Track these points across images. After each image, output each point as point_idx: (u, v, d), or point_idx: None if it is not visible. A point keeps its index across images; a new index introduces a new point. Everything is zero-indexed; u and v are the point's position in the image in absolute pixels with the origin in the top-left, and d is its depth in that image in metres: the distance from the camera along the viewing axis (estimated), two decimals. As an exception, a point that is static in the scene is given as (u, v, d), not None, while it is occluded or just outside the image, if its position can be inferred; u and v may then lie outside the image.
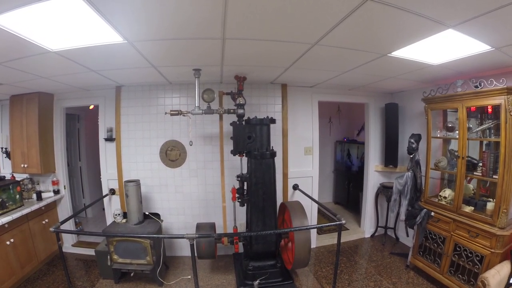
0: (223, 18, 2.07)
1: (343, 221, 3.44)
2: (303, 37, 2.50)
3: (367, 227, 5.92)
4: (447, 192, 3.98)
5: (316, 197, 5.11)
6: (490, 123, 3.59)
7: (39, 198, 4.76)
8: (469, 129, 3.70)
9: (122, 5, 1.85)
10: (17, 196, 4.33)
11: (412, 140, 4.40)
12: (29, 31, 2.17)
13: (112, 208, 4.88)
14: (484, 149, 3.78)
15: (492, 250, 3.22)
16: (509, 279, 3.04)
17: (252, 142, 3.84)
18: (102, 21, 2.04)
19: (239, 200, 4.09)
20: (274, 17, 2.07)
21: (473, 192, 3.92)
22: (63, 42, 2.47)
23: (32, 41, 2.34)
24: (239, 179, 4.10)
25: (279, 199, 4.64)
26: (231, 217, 4.62)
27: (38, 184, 5.07)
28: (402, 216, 4.51)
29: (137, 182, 4.26)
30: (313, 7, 1.90)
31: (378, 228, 5.83)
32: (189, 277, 4.32)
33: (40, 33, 2.25)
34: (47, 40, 2.38)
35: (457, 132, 3.84)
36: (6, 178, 4.61)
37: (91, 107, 5.73)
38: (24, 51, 2.58)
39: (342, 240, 4.20)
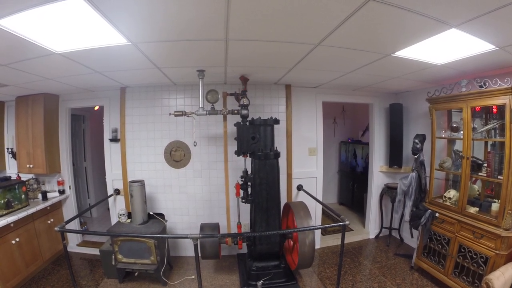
0: (225, 20, 2.08)
1: (347, 222, 3.43)
2: (306, 37, 2.51)
3: (371, 228, 5.89)
4: (452, 193, 3.95)
5: (320, 198, 5.10)
6: (495, 123, 3.56)
7: (45, 198, 4.80)
8: (473, 129, 3.67)
9: (126, 8, 1.87)
10: (23, 196, 4.37)
11: (417, 141, 4.38)
12: (34, 33, 2.20)
13: (117, 208, 4.92)
14: (489, 150, 3.73)
15: (497, 252, 3.20)
16: (514, 281, 3.01)
17: (256, 143, 3.85)
18: (106, 24, 2.06)
19: (243, 200, 4.10)
20: (276, 18, 2.08)
21: (478, 193, 3.89)
22: (67, 44, 2.49)
23: (37, 43, 2.37)
24: (243, 179, 4.10)
25: (283, 200, 4.64)
26: (235, 218, 4.63)
27: (43, 184, 5.11)
28: (407, 217, 4.49)
29: (141, 183, 4.29)
30: (315, 7, 1.90)
31: (383, 229, 5.80)
32: (193, 277, 4.34)
33: (45, 35, 2.27)
34: (52, 42, 2.41)
35: (461, 132, 3.82)
36: (12, 178, 4.65)
37: (96, 108, 5.77)
38: (29, 53, 2.61)
39: (346, 241, 4.21)
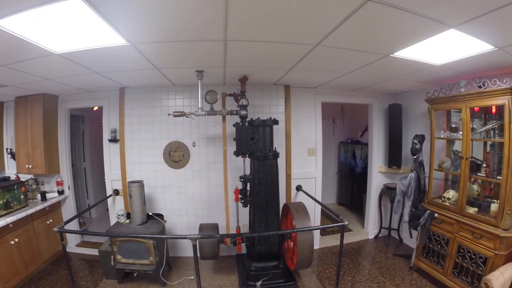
0: (224, 20, 2.08)
1: (346, 222, 3.43)
2: (305, 38, 2.51)
3: (370, 228, 5.90)
4: (451, 193, 3.96)
5: (319, 198, 5.10)
6: (494, 124, 3.57)
7: (44, 198, 4.80)
8: (472, 129, 3.68)
9: (125, 9, 1.87)
10: (22, 196, 4.37)
11: (416, 141, 4.39)
12: (33, 33, 2.20)
13: (116, 208, 4.91)
14: (488, 150, 3.75)
15: (496, 252, 3.20)
16: (513, 281, 3.02)
17: (255, 143, 3.85)
18: (105, 24, 2.06)
19: (242, 201, 4.09)
20: (275, 18, 2.08)
21: (477, 193, 3.89)
22: (66, 45, 2.49)
23: (36, 44, 2.37)
24: (242, 180, 4.09)
25: (282, 200, 4.64)
26: (234, 218, 4.63)
27: (42, 184, 5.11)
28: (406, 218, 4.50)
29: (140, 183, 4.29)
30: (314, 8, 1.90)
31: (382, 229, 5.80)
32: (192, 277, 4.34)
33: (44, 36, 2.27)
34: (51, 42, 2.41)
35: (460, 132, 3.83)
36: (11, 179, 4.65)
37: (95, 108, 5.76)
38: (28, 53, 2.61)
39: (345, 242, 4.20)
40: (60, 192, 5.09)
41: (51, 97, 4.88)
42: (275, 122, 3.96)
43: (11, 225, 3.91)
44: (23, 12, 1.82)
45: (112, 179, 4.98)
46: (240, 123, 3.98)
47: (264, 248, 3.98)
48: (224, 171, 4.84)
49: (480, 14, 1.97)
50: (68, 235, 5.20)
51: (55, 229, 3.29)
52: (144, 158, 4.86)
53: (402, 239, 5.58)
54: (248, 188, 4.10)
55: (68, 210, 5.25)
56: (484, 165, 3.62)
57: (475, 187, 3.92)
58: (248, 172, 4.14)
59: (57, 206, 5.05)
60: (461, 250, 3.65)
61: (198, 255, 3.39)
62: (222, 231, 4.82)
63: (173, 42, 2.56)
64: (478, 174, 3.68)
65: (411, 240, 5.06)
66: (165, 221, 4.60)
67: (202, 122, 4.79)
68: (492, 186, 3.77)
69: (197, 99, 3.85)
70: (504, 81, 3.23)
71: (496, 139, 3.58)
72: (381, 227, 5.81)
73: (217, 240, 4.05)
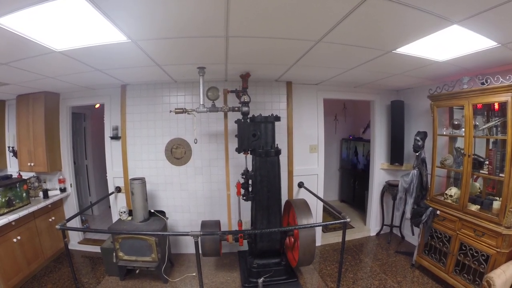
0: (226, 17, 2.07)
1: (348, 219, 3.43)
2: (306, 34, 2.49)
3: (372, 225, 5.89)
4: (453, 191, 3.94)
5: (321, 195, 5.10)
6: (496, 121, 3.54)
7: (46, 196, 4.81)
8: (475, 126, 3.66)
9: (125, 5, 1.86)
10: (24, 194, 4.38)
11: (418, 138, 4.37)
12: (34, 31, 2.19)
13: (118, 205, 4.92)
14: (490, 147, 3.73)
15: (498, 250, 3.19)
16: (515, 278, 3.01)
17: (257, 140, 3.84)
18: (106, 21, 2.05)
19: (244, 197, 4.09)
20: (276, 14, 2.07)
21: (479, 190, 3.87)
22: (67, 42, 2.48)
23: (37, 41, 2.36)
24: (244, 177, 4.10)
25: (284, 197, 4.64)
26: (235, 215, 4.63)
27: (44, 182, 5.12)
28: (408, 215, 4.48)
29: (142, 180, 4.29)
30: (315, 3, 1.89)
31: (384, 227, 5.79)
32: (194, 274, 4.34)
33: (45, 33, 2.26)
34: (51, 40, 2.40)
35: (463, 129, 3.80)
36: (13, 177, 4.66)
37: (97, 106, 5.77)
38: (29, 51, 2.60)
39: (347, 238, 4.20)
40: (62, 190, 5.10)
41: (53, 95, 4.88)
42: (277, 118, 3.94)
43: (13, 223, 3.92)
44: (23, 10, 1.81)
45: (114, 176, 4.99)
46: (242, 120, 3.96)
47: (266, 245, 3.99)
48: (226, 168, 4.84)
49: (482, 10, 1.95)
50: (70, 233, 5.22)
51: (58, 226, 3.30)
52: (145, 155, 4.87)
53: (404, 237, 5.57)
54: (250, 184, 4.10)
55: (70, 207, 5.26)
56: (487, 162, 3.60)
57: (478, 184, 3.91)
58: (250, 168, 4.13)
59: (59, 203, 5.06)
60: (463, 248, 3.64)
61: (200, 252, 3.40)
62: (224, 228, 4.82)
63: (175, 39, 2.55)
64: (481, 171, 3.66)
65: (413, 237, 5.05)
66: (167, 218, 4.61)
67: (204, 119, 4.78)
68: (494, 183, 3.74)
69: (199, 95, 3.85)
70: (507, 78, 3.20)
71: (498, 136, 3.55)
72: (383, 224, 5.80)
73: (219, 237, 4.05)
